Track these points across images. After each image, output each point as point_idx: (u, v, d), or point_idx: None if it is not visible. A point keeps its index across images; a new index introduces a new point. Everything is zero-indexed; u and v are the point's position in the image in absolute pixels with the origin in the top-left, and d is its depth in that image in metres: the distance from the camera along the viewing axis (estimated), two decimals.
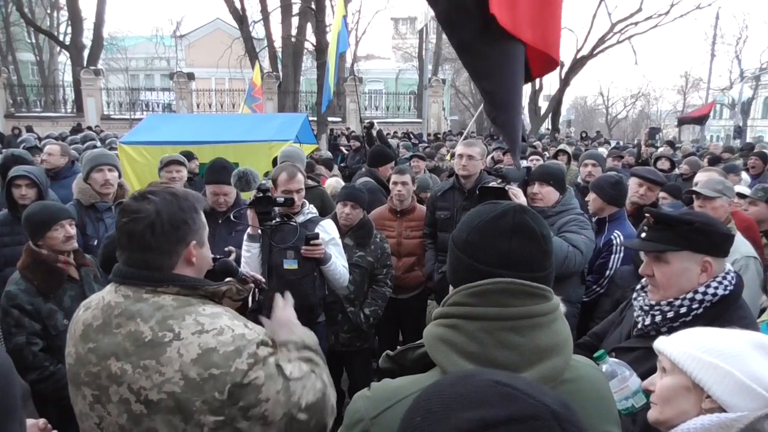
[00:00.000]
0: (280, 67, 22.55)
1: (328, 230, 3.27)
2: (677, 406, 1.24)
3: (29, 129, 16.67)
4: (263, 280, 2.11)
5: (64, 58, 30.30)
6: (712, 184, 3.33)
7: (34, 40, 31.92)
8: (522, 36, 2.17)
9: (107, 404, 1.39)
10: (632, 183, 3.88)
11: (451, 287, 1.19)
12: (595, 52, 26.89)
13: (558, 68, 27.06)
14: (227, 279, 1.81)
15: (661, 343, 1.31)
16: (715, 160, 7.88)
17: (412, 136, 16.50)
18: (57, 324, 2.66)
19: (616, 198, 3.51)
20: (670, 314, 1.74)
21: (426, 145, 11.66)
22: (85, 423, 1.47)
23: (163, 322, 1.37)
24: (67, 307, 2.69)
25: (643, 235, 1.86)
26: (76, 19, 24.02)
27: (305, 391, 1.41)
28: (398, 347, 1.25)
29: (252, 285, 1.97)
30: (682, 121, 18.48)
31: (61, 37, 27.86)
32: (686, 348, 1.23)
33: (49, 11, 31.60)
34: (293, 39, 21.13)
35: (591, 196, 3.59)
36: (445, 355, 1.06)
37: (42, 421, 1.49)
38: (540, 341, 1.06)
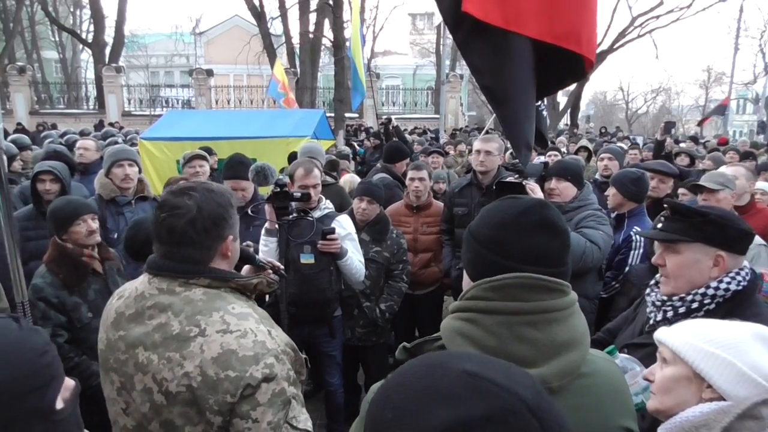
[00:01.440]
0: (297, 63, 22.64)
1: (344, 225, 3.30)
2: (677, 396, 1.25)
3: (53, 126, 17.02)
4: (281, 266, 2.13)
5: (86, 56, 30.81)
6: (715, 177, 3.37)
7: (57, 39, 32.52)
8: (523, 31, 2.10)
9: (132, 391, 1.43)
10: None
11: (465, 281, 1.20)
12: (615, 47, 26.46)
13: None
14: (245, 266, 1.84)
15: (662, 334, 1.31)
16: (746, 155, 7.76)
17: (429, 132, 16.48)
18: (81, 317, 2.72)
19: (637, 194, 3.48)
20: (681, 309, 1.73)
21: (445, 141, 11.63)
22: (113, 408, 1.51)
23: (192, 316, 1.39)
24: (91, 301, 2.75)
25: (660, 225, 1.85)
26: (98, 18, 24.43)
27: None
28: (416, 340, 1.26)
29: (270, 271, 2.00)
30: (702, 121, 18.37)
31: (83, 35, 28.37)
32: (688, 338, 1.24)
33: (72, 10, 32.21)
34: (311, 35, 21.19)
35: (611, 192, 3.56)
36: (463, 349, 1.07)
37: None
38: (557, 336, 1.07)
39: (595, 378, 1.12)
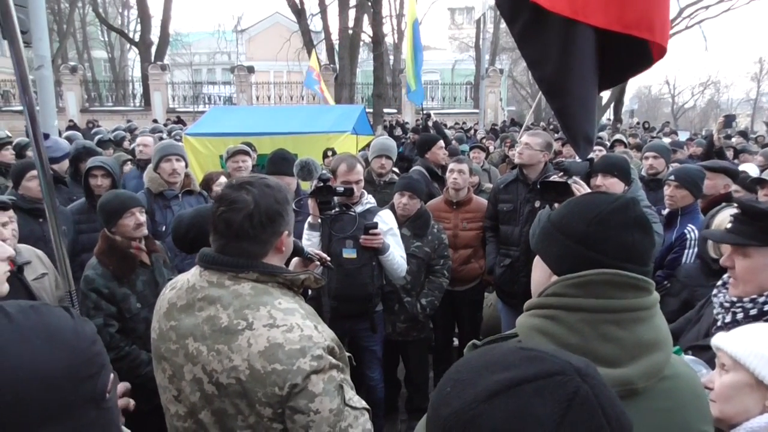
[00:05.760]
0: (336, 59, 22.78)
1: (386, 220, 3.29)
2: (739, 404, 1.20)
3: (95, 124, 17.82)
4: (328, 258, 2.15)
5: (133, 55, 31.89)
6: None
7: (106, 39, 33.74)
8: (590, 20, 1.99)
9: (181, 380, 1.47)
10: None
11: (538, 279, 1.18)
12: None
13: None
14: (294, 258, 1.86)
15: (720, 340, 1.27)
16: None
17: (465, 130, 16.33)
18: (131, 307, 2.79)
19: (701, 189, 3.41)
20: (753, 312, 1.65)
21: (482, 137, 11.51)
22: (165, 395, 1.55)
23: (240, 310, 1.42)
24: (140, 292, 2.82)
25: (729, 226, 1.78)
26: (144, 17, 25.16)
27: (356, 423, 1.41)
28: (482, 338, 1.22)
29: (318, 263, 2.03)
30: None
31: (131, 35, 29.30)
32: (748, 345, 1.19)
33: (120, 10, 33.38)
34: (350, 31, 21.27)
35: (680, 192, 3.39)
36: (543, 347, 1.06)
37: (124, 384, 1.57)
38: (642, 335, 1.04)
39: (678, 381, 1.08)
